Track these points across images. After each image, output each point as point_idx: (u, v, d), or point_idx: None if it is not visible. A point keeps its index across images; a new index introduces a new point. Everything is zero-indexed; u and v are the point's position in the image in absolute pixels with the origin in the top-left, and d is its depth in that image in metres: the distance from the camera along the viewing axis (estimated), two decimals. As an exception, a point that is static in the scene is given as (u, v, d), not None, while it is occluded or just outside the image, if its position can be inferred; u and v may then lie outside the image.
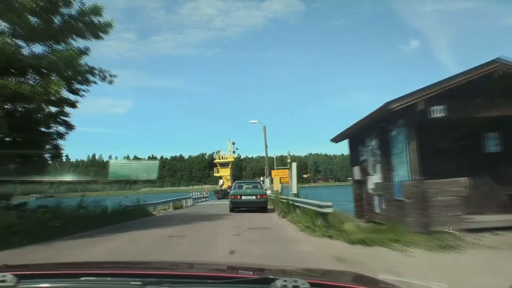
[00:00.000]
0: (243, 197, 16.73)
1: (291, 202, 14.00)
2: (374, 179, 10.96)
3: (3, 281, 1.25)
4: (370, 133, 10.96)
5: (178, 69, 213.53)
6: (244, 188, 18.15)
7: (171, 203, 22.74)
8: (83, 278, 1.38)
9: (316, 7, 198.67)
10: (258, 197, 16.62)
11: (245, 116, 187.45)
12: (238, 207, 16.69)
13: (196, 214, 17.57)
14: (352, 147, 13.24)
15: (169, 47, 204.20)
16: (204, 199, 34.75)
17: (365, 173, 11.72)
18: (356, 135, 12.11)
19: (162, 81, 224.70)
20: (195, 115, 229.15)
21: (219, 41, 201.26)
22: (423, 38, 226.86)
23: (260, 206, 16.43)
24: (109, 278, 1.41)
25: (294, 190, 16.51)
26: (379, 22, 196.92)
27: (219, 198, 40.77)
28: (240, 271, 1.72)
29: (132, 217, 15.31)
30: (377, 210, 10.86)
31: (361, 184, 12.31)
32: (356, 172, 12.32)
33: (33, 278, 1.38)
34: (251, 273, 1.63)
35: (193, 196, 30.25)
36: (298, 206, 12.80)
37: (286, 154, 25.18)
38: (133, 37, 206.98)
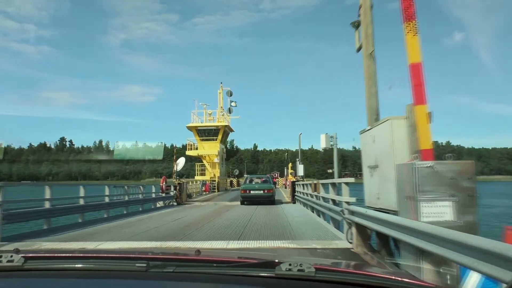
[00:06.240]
0: (251, 192, 17.99)
1: None
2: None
3: (10, 261, 1.32)
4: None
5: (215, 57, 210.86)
6: (253, 182, 19.38)
7: None
8: (89, 260, 1.42)
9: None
10: (266, 191, 18.02)
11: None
12: (247, 200, 17.88)
13: None
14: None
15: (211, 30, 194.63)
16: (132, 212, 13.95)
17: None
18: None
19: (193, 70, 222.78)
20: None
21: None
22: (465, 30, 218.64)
23: (267, 200, 17.78)
24: (115, 261, 1.44)
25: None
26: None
27: (172, 204, 18.18)
28: (245, 257, 1.73)
29: None
30: None
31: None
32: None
33: (40, 259, 1.44)
34: (256, 258, 1.58)
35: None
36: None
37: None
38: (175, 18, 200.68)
